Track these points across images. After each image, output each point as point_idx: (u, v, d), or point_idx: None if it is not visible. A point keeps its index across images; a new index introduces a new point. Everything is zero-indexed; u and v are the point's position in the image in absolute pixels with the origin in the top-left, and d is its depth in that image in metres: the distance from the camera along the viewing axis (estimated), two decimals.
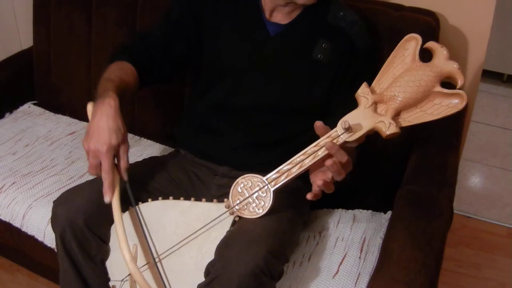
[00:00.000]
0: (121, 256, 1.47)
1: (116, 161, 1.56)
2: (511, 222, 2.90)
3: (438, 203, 1.68)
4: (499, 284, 2.52)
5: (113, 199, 1.53)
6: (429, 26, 1.93)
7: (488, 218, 2.93)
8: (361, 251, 1.77)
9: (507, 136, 3.67)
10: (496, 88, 4.14)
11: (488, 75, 4.05)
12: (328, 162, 1.43)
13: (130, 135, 2.38)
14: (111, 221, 1.58)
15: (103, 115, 1.52)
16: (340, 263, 1.73)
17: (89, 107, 1.63)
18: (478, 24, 2.06)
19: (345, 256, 1.76)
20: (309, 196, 1.47)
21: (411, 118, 1.49)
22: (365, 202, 2.04)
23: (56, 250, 1.71)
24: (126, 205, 1.62)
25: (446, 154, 1.90)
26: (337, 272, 1.70)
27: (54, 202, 1.67)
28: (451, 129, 2.01)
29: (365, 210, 2.01)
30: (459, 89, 1.46)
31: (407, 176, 1.83)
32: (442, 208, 1.66)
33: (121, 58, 1.77)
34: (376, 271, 1.49)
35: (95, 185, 1.58)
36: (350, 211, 2.00)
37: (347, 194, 2.01)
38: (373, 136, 1.51)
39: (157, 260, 1.57)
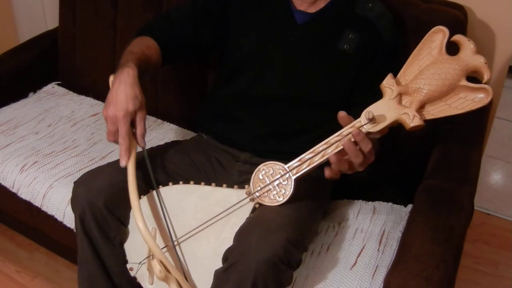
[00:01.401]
0: (140, 238, 1.48)
1: (133, 129, 1.59)
2: None
3: (459, 199, 1.67)
4: None
5: (128, 163, 1.55)
6: (457, 19, 1.92)
7: (509, 216, 2.90)
8: (379, 243, 1.77)
9: None
10: None
11: None
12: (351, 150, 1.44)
13: (152, 119, 2.42)
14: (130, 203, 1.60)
15: (121, 83, 1.56)
16: (358, 255, 1.72)
17: (111, 78, 1.65)
18: (506, 19, 2.04)
19: (363, 248, 1.75)
20: (327, 174, 1.48)
21: (435, 111, 1.48)
22: (385, 194, 2.03)
23: (75, 230, 1.72)
24: (146, 187, 1.64)
25: (468, 150, 1.89)
26: (355, 264, 1.69)
27: (75, 182, 1.69)
28: (474, 125, 1.99)
29: (385, 203, 1.99)
30: (485, 83, 1.45)
31: (429, 171, 1.83)
32: (462, 204, 1.65)
33: (145, 34, 1.80)
34: (394, 264, 1.49)
35: (116, 167, 1.58)
36: (370, 202, 1.99)
37: (367, 186, 2.01)
38: (395, 128, 1.51)
39: (175, 243, 1.58)
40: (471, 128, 1.98)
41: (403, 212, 1.92)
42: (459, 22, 1.92)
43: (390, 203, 1.99)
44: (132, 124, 1.58)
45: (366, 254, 1.73)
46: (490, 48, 2.11)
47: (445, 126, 1.98)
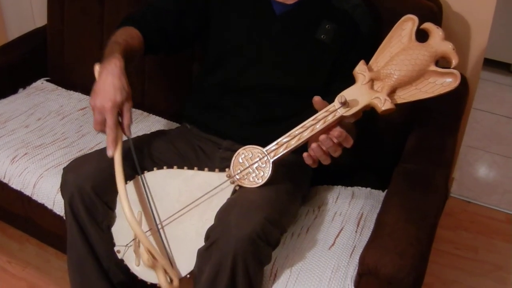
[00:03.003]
0: (126, 222, 1.53)
1: (120, 119, 1.63)
2: (511, 208, 2.94)
3: (434, 181, 1.74)
4: (495, 267, 2.56)
5: (115, 153, 1.60)
6: (431, 11, 1.97)
7: (488, 203, 2.96)
8: (357, 225, 1.82)
9: None
10: (503, 78, 4.14)
11: (495, 65, 4.07)
12: (322, 137, 1.49)
13: (139, 111, 2.46)
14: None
15: (109, 74, 1.60)
16: (337, 236, 1.78)
17: (96, 67, 1.70)
18: (481, 10, 2.09)
19: (342, 229, 1.81)
20: (305, 154, 1.53)
21: (406, 96, 1.54)
22: (364, 180, 2.09)
23: (64, 216, 1.78)
24: (132, 173, 1.69)
25: (444, 136, 1.96)
26: (333, 244, 1.74)
27: (64, 169, 1.74)
28: (451, 113, 2.05)
29: (364, 188, 2.05)
30: (454, 68, 1.52)
31: (405, 155, 1.89)
32: (437, 186, 1.72)
33: (128, 24, 1.84)
34: (369, 242, 1.55)
35: (104, 154, 1.63)
36: (349, 188, 2.05)
37: (347, 172, 2.07)
38: (373, 117, 1.57)
39: (160, 226, 1.63)
40: (447, 117, 2.04)
41: (381, 196, 1.97)
42: (433, 13, 1.96)
43: (368, 188, 2.05)
44: (118, 114, 1.62)
45: (344, 235, 1.78)
46: (465, 40, 2.16)
47: (422, 114, 2.03)
